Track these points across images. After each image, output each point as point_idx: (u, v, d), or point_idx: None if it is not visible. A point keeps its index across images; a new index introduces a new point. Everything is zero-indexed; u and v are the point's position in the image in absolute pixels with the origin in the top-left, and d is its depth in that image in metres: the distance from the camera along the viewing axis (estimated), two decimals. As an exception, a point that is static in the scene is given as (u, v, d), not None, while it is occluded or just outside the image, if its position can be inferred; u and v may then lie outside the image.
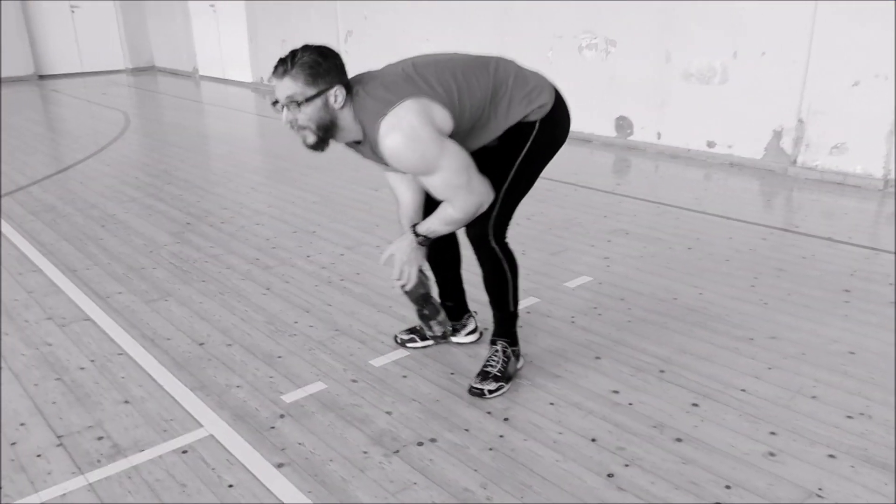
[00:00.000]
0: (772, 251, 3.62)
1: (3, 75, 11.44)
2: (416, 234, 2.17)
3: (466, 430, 2.15)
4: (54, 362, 2.61)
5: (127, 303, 3.12)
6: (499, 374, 2.35)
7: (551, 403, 2.28)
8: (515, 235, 2.30)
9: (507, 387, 2.35)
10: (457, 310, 2.64)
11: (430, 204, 2.27)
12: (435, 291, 2.49)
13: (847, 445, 2.04)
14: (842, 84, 4.69)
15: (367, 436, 2.13)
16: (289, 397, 2.35)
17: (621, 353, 2.60)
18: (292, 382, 2.44)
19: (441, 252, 2.48)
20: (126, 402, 2.33)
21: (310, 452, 2.06)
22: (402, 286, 2.25)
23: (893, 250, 3.61)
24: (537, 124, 2.14)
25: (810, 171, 4.96)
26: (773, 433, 2.10)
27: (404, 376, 2.47)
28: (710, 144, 5.55)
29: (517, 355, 2.43)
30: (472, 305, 2.70)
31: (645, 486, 1.89)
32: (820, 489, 1.87)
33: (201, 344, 2.73)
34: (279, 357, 2.62)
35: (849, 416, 2.17)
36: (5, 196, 4.86)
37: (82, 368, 2.56)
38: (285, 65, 1.92)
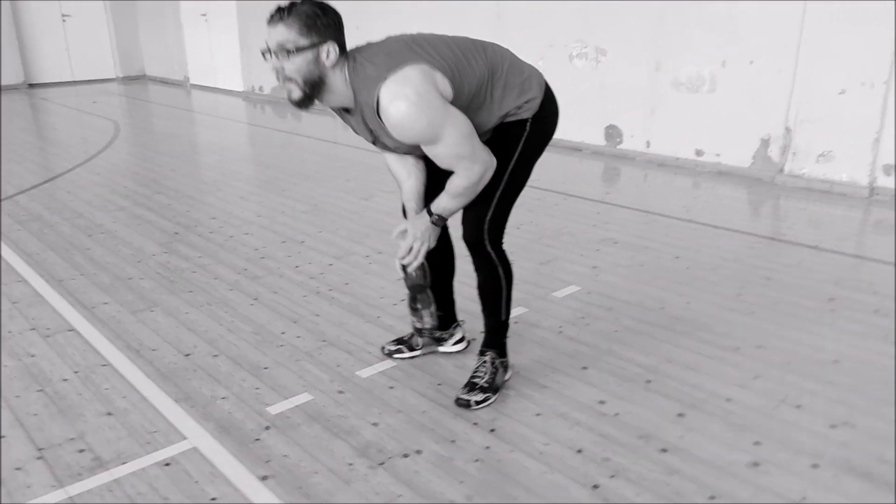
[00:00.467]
0: (759, 260, 3.64)
1: (-8, 84, 11.41)
2: (431, 214, 2.16)
3: (453, 441, 2.15)
4: (37, 373, 2.59)
5: (112, 313, 3.10)
6: (486, 385, 2.34)
7: (538, 414, 2.28)
8: (504, 245, 2.30)
9: (493, 398, 2.35)
10: (446, 319, 2.63)
11: (430, 188, 2.28)
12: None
13: (831, 455, 2.04)
14: (828, 92, 4.73)
15: (353, 447, 2.12)
16: (274, 409, 2.34)
17: (608, 362, 2.60)
18: (278, 394, 2.43)
19: (437, 262, 2.48)
20: (109, 413, 2.32)
21: (295, 464, 2.05)
22: (403, 269, 2.24)
23: (878, 259, 3.64)
24: (528, 123, 2.13)
25: (797, 179, 4.99)
26: (757, 443, 2.10)
27: (391, 387, 2.46)
28: (699, 153, 5.58)
29: (505, 367, 2.43)
30: (459, 315, 2.70)
31: (630, 497, 1.89)
32: (804, 499, 1.87)
33: (187, 355, 2.72)
34: (265, 368, 2.61)
35: (833, 426, 2.18)
36: (-8, 206, 4.84)
37: (65, 380, 2.54)
38: (282, 12, 1.88)
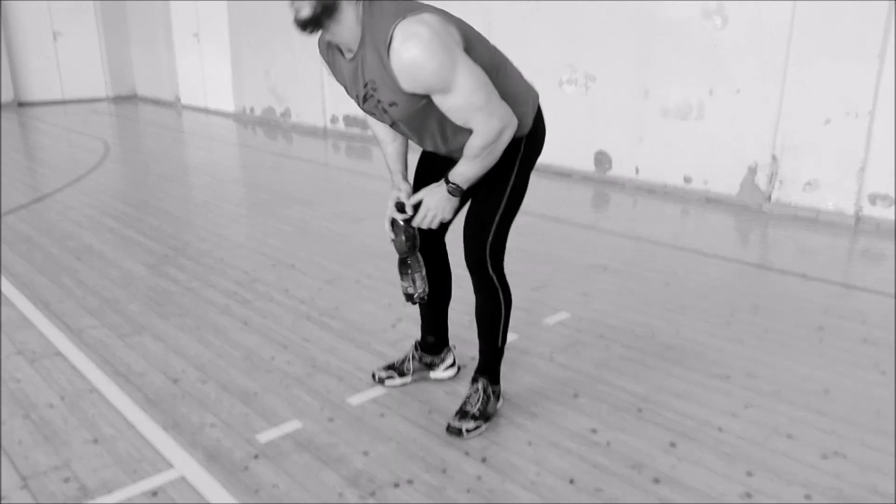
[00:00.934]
0: (747, 287, 3.66)
1: (-19, 102, 11.37)
2: (448, 183, 2.06)
3: (444, 470, 2.13)
4: (22, 399, 2.55)
5: (100, 337, 3.07)
6: (477, 413, 2.33)
7: (529, 443, 2.27)
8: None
9: (485, 426, 2.33)
10: (438, 344, 2.63)
11: (426, 172, 2.27)
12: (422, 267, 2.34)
13: (822, 486, 2.04)
14: (813, 122, 4.80)
15: (343, 477, 2.10)
16: (264, 436, 2.31)
17: (600, 390, 2.60)
18: (268, 421, 2.40)
19: (434, 286, 2.47)
20: (95, 441, 2.28)
21: (284, 494, 2.02)
22: (393, 232, 2.22)
23: (865, 288, 3.67)
24: (523, 143, 2.13)
25: (785, 207, 5.04)
26: (749, 473, 2.10)
27: (382, 415, 2.45)
28: (687, 180, 5.63)
29: (497, 395, 2.42)
30: (451, 340, 2.69)
31: (622, 528, 1.88)
32: (796, 531, 1.86)
33: (175, 380, 2.69)
34: (255, 394, 2.59)
35: (824, 456, 2.18)
36: (-21, 226, 4.80)
37: (51, 406, 2.50)
38: None
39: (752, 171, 5.23)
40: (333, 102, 8.87)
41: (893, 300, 3.45)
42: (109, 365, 2.81)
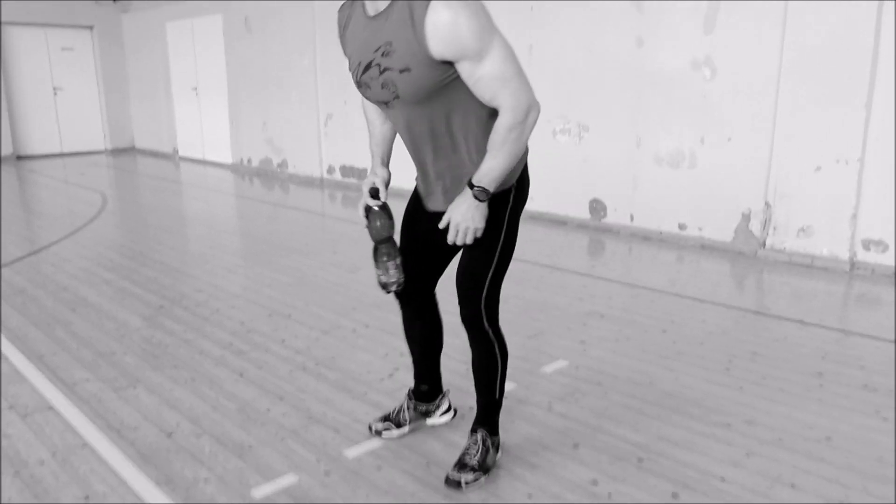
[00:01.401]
0: (745, 334, 3.65)
1: (-20, 156, 11.47)
2: (472, 187, 1.93)
3: (442, 524, 2.09)
4: (13, 456, 2.51)
5: (94, 390, 3.04)
6: (476, 464, 2.29)
7: (529, 495, 2.23)
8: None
9: (484, 478, 2.30)
10: (432, 392, 2.61)
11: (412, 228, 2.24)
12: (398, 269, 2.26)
13: (828, 537, 2.01)
14: (805, 169, 4.87)
15: (339, 532, 2.06)
16: (259, 492, 2.27)
17: (599, 440, 2.57)
18: (263, 475, 2.36)
19: (425, 336, 2.47)
20: (87, 498, 2.24)
21: (279, 551, 1.97)
22: (367, 218, 2.17)
23: (862, 333, 3.67)
24: (512, 193, 2.10)
25: (779, 253, 5.07)
26: (753, 525, 2.06)
27: (379, 468, 2.41)
28: (682, 227, 5.67)
29: (496, 446, 2.39)
30: (448, 390, 2.67)
31: (626, 583, 1.83)
32: (804, 585, 1.82)
33: (169, 434, 2.65)
34: (250, 447, 2.55)
35: (829, 506, 2.15)
36: (-25, 279, 4.78)
37: (42, 462, 2.46)
38: None
39: (746, 217, 5.27)
40: (330, 153, 8.98)
41: (892, 345, 3.44)
42: (102, 419, 2.77)
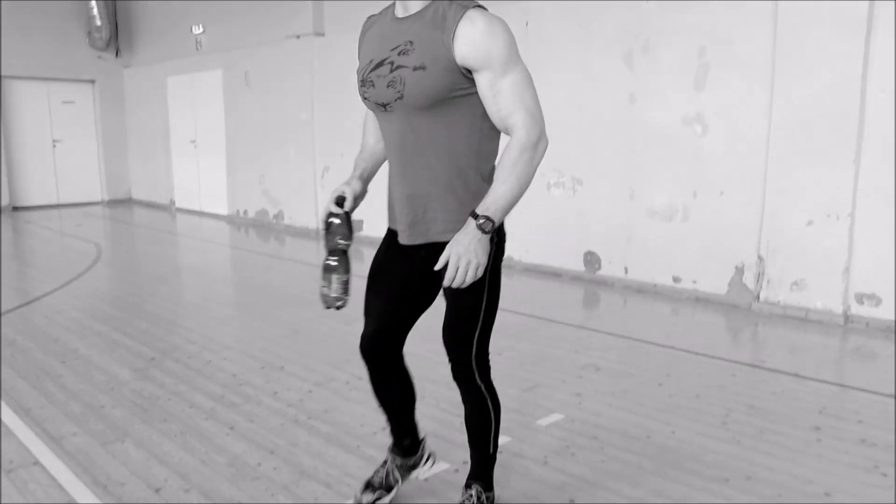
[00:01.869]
0: (742, 387, 3.63)
1: (-24, 207, 11.50)
2: (477, 218, 1.82)
3: (435, 584, 2.03)
4: (-4, 511, 2.45)
5: (81, 445, 2.98)
6: (471, 521, 2.24)
7: (525, 553, 2.18)
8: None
9: (479, 535, 2.24)
10: (412, 445, 2.47)
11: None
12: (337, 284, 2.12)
13: None
14: (796, 223, 4.92)
15: (330, 593, 1.99)
16: (247, 549, 2.21)
17: (596, 496, 2.52)
18: (252, 532, 2.31)
19: (401, 394, 2.34)
20: (70, 556, 2.17)
21: None
22: (327, 227, 2.06)
23: (859, 387, 3.65)
24: (493, 242, 1.97)
25: (773, 306, 5.08)
26: (755, 585, 2.01)
27: (371, 524, 2.35)
28: (676, 279, 5.69)
29: (491, 501, 2.34)
30: (437, 442, 2.63)
31: None
32: None
33: (157, 490, 2.59)
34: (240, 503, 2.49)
35: (831, 565, 2.10)
36: (-35, 329, 4.74)
37: (26, 518, 2.40)
38: None
39: (740, 271, 5.30)
40: (326, 204, 9.02)
41: (890, 399, 3.42)
42: (89, 474, 2.71)
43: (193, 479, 2.67)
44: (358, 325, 2.29)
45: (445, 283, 1.84)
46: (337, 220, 2.06)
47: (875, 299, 4.68)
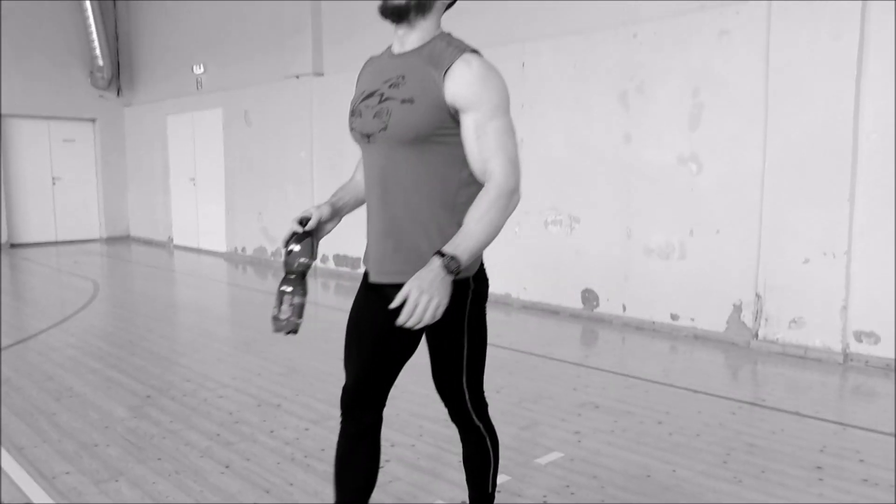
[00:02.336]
0: (742, 425, 3.60)
1: (-26, 244, 11.50)
2: (443, 256, 1.72)
3: None
4: (-14, 553, 2.40)
5: (74, 484, 2.93)
6: (469, 562, 2.20)
7: None
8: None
9: (477, 578, 2.20)
10: None
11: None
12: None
13: None
14: (793, 261, 4.94)
15: None
16: (241, 592, 2.16)
17: (596, 537, 2.49)
18: (246, 574, 2.26)
19: (364, 471, 2.11)
20: None
21: None
22: (287, 250, 2.01)
23: (860, 426, 3.62)
24: (471, 283, 1.95)
25: (772, 344, 5.07)
26: None
27: (367, 566, 2.31)
28: (674, 317, 5.68)
29: (489, 541, 2.30)
30: (425, 478, 2.59)
31: None
32: None
33: (150, 530, 2.55)
34: (233, 544, 2.45)
35: None
36: (-41, 367, 4.70)
37: (16, 560, 2.35)
38: None
39: (738, 308, 5.30)
40: (323, 242, 9.04)
41: (891, 438, 3.39)
42: (81, 513, 2.67)
43: (187, 519, 2.63)
44: (356, 362, 2.24)
45: (400, 320, 1.68)
46: (296, 245, 2.02)
47: (874, 337, 4.67)
